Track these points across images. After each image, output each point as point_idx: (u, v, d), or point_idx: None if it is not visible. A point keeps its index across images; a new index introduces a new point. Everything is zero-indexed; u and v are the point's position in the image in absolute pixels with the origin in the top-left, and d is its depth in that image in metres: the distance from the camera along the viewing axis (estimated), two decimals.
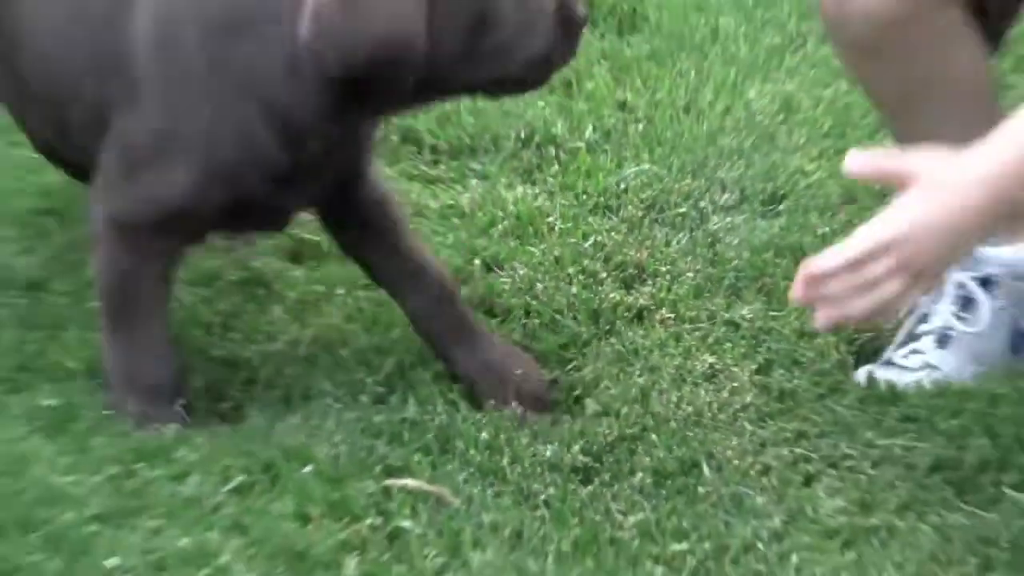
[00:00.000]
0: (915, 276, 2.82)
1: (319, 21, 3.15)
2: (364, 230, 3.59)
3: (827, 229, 4.04)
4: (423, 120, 4.36)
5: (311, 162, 3.36)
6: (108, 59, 3.39)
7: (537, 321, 3.72)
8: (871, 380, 3.60)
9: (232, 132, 3.30)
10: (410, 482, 3.22)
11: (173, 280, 3.52)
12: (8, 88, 3.69)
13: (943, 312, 3.68)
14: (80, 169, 3.61)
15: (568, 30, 3.35)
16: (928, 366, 3.62)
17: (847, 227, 3.99)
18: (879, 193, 4.09)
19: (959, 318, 3.67)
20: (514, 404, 3.51)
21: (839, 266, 2.80)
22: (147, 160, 3.36)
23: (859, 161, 2.90)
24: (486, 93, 3.55)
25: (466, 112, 4.39)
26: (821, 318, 2.85)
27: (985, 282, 3.67)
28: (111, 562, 2.94)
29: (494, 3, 3.26)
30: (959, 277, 3.64)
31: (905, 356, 3.66)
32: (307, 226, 3.96)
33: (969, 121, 3.36)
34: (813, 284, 2.81)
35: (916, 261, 2.80)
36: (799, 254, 3.89)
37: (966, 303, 3.66)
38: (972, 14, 3.52)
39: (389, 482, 3.21)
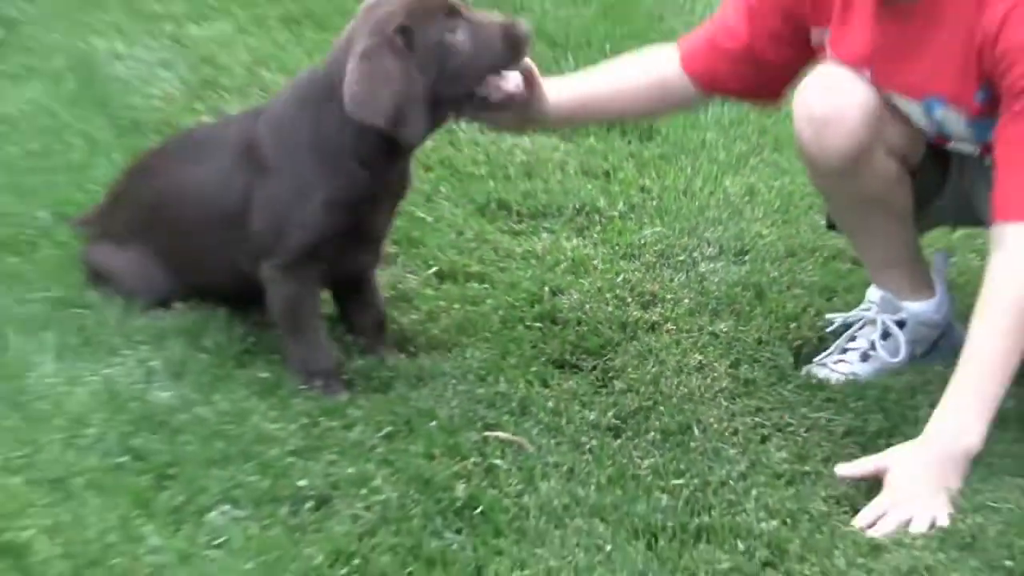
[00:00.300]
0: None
1: (356, 105, 3.25)
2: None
3: (776, 273, 4.02)
4: (513, 193, 4.35)
5: (385, 189, 3.44)
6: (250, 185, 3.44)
7: (585, 328, 3.71)
8: (808, 375, 3.62)
9: (338, 175, 3.35)
10: (500, 434, 3.25)
11: (320, 297, 3.54)
12: (158, 243, 3.60)
13: (864, 339, 3.66)
14: (216, 284, 3.61)
15: (514, 46, 3.32)
16: (852, 374, 3.62)
17: (790, 271, 4.05)
18: (812, 249, 4.14)
19: (878, 344, 3.65)
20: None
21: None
22: (287, 216, 3.38)
23: (846, 470, 3.13)
24: (475, 116, 3.51)
25: (540, 191, 4.36)
26: None
27: (900, 324, 3.65)
28: (301, 482, 3.00)
29: (451, 37, 3.27)
30: (883, 318, 3.64)
31: (835, 363, 3.65)
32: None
33: (894, 231, 3.56)
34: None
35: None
36: (758, 288, 3.95)
37: (885, 335, 3.65)
38: (909, 173, 3.50)
39: (487, 434, 3.24)
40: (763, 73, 3.52)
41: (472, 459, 3.14)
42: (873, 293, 3.69)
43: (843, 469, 3.17)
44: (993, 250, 3.13)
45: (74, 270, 3.70)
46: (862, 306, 3.72)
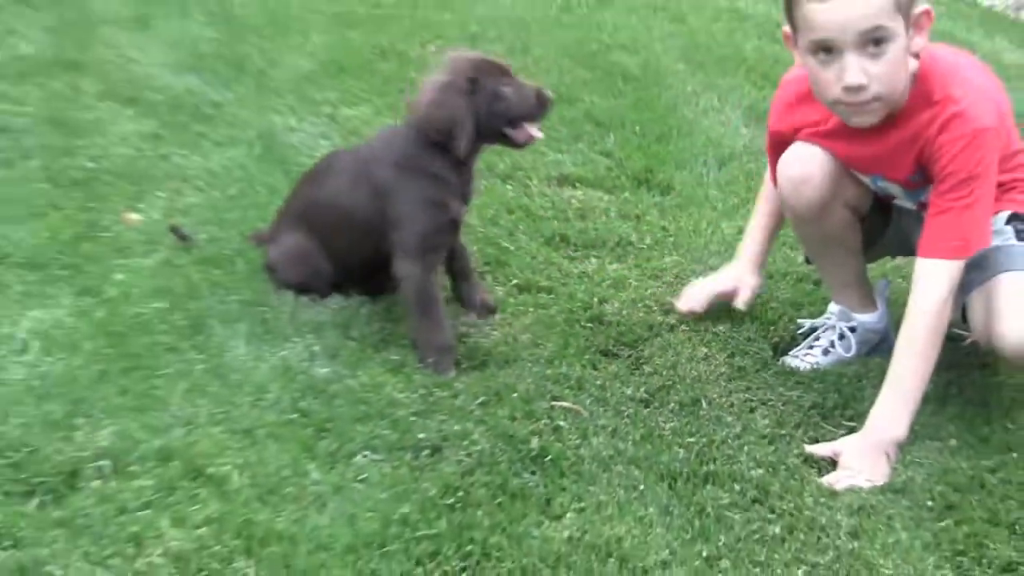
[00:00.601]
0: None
1: (419, 119, 3.36)
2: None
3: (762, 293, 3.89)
4: (571, 230, 4.30)
5: (461, 188, 3.45)
6: (373, 204, 3.44)
7: (623, 328, 3.65)
8: (783, 364, 3.56)
9: (431, 183, 3.39)
10: (563, 403, 3.21)
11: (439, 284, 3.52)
12: (327, 245, 3.58)
13: (826, 339, 3.61)
14: (363, 276, 3.62)
15: (542, 103, 3.40)
16: (816, 364, 3.57)
17: (770, 289, 3.95)
18: (785, 273, 4.06)
19: (836, 343, 3.61)
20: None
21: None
22: (404, 222, 3.38)
23: (812, 448, 3.15)
24: (504, 143, 3.48)
25: (591, 228, 4.32)
26: None
27: (852, 329, 3.61)
28: (421, 435, 2.99)
29: (502, 88, 3.37)
30: (840, 325, 3.60)
31: (804, 355, 3.59)
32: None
33: (848, 262, 3.56)
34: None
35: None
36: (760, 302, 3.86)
37: (841, 337, 3.60)
38: (859, 219, 3.47)
39: (553, 403, 3.20)
40: None
41: (543, 421, 3.12)
42: (832, 307, 3.66)
43: (810, 448, 3.14)
44: (916, 278, 3.13)
45: (259, 280, 3.69)
46: (825, 315, 3.69)
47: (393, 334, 3.49)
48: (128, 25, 6.23)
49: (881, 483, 3.03)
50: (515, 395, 3.21)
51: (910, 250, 3.37)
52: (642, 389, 3.34)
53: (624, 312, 3.75)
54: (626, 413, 3.22)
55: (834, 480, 3.03)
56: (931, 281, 3.08)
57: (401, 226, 3.40)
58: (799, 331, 3.71)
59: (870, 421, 3.12)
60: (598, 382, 3.34)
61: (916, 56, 3.05)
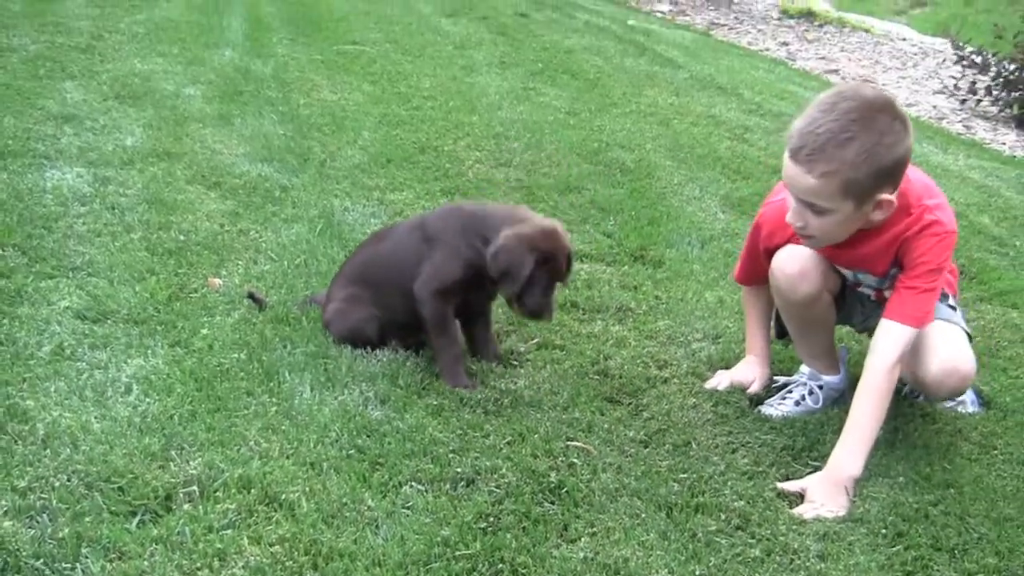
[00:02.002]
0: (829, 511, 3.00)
1: (493, 259, 3.34)
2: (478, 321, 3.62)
3: (739, 350, 3.86)
4: (579, 297, 4.28)
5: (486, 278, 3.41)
6: (422, 246, 3.46)
7: (624, 380, 3.63)
8: (760, 411, 3.53)
9: (471, 251, 3.39)
10: (577, 443, 3.18)
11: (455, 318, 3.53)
12: (377, 296, 3.58)
13: (797, 393, 3.58)
14: (405, 329, 3.58)
15: (539, 315, 3.42)
16: (787, 413, 3.53)
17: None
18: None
19: (806, 397, 3.57)
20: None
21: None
22: (440, 266, 3.41)
23: (783, 485, 3.11)
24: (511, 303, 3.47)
25: (596, 296, 4.31)
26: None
27: (820, 387, 3.58)
28: (458, 470, 2.97)
29: (536, 280, 3.36)
30: (810, 383, 3.58)
31: (778, 405, 3.56)
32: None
33: (823, 338, 3.55)
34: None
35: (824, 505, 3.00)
36: (728, 359, 3.83)
37: (811, 392, 3.57)
38: (835, 300, 3.46)
39: (568, 443, 3.17)
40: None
41: (560, 458, 3.10)
42: (804, 368, 3.64)
43: (781, 485, 3.11)
44: (877, 335, 3.15)
45: (321, 335, 3.67)
46: (798, 374, 3.66)
47: (434, 383, 3.47)
48: (213, 122, 6.26)
49: (842, 514, 2.99)
50: (536, 436, 3.19)
51: (849, 321, 3.54)
52: (642, 432, 3.31)
53: (625, 367, 3.72)
54: (629, 452, 3.19)
55: (803, 511, 2.99)
56: (889, 340, 3.09)
57: (435, 268, 3.42)
58: (774, 385, 3.68)
59: (832, 461, 3.09)
60: (605, 426, 3.32)
61: (871, 222, 3.07)
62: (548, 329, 3.96)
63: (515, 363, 3.72)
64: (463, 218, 3.49)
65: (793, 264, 3.32)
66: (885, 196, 2.98)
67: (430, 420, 3.23)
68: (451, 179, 5.65)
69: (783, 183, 3.13)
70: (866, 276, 3.35)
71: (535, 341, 3.88)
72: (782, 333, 3.74)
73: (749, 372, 3.66)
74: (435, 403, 3.33)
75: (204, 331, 3.66)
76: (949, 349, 3.22)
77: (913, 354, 3.16)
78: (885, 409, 3.09)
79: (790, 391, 3.60)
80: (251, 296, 3.89)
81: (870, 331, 3.41)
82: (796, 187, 3.00)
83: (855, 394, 3.13)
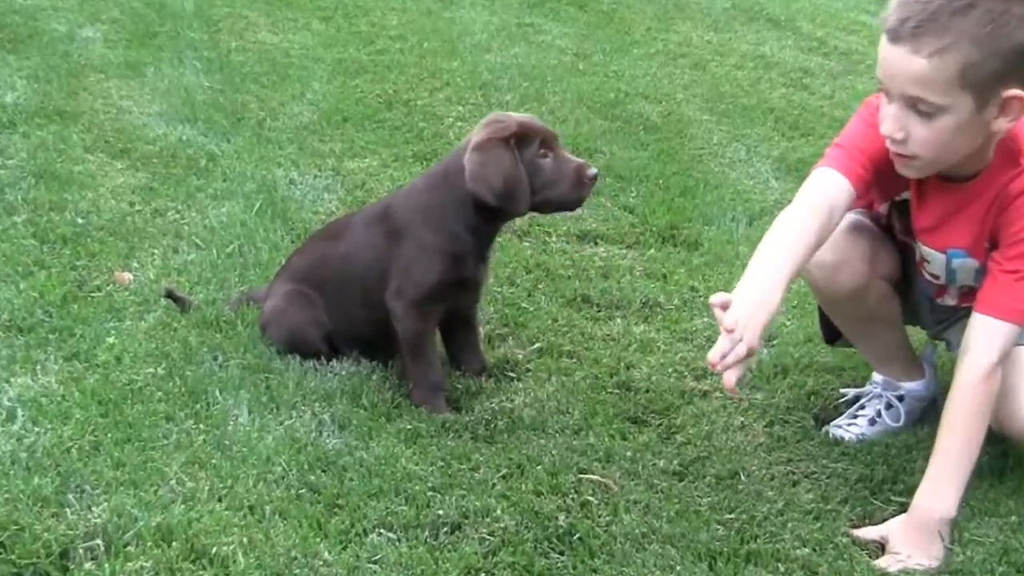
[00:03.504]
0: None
1: (473, 180, 3.36)
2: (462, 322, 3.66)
3: (798, 355, 3.93)
4: (593, 290, 4.30)
5: (482, 250, 3.49)
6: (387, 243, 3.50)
7: (652, 394, 3.64)
8: (827, 433, 3.53)
9: (450, 237, 3.43)
10: (592, 476, 3.18)
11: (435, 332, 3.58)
12: (331, 304, 3.61)
13: (872, 408, 3.58)
14: (368, 345, 3.63)
15: (581, 181, 3.41)
16: (861, 434, 3.53)
17: (808, 353, 3.95)
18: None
19: (883, 412, 3.57)
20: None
21: None
22: (413, 267, 3.44)
23: (858, 532, 3.09)
24: (542, 211, 3.59)
25: (615, 288, 4.32)
26: None
27: (899, 398, 3.58)
28: (439, 512, 2.96)
29: (540, 160, 3.40)
30: (886, 394, 3.58)
31: (848, 425, 3.56)
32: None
33: (889, 336, 3.56)
34: None
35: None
36: (784, 367, 3.86)
37: (888, 406, 3.57)
38: (895, 288, 3.42)
39: (581, 476, 3.17)
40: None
41: (570, 496, 3.09)
42: (877, 376, 3.64)
43: (856, 532, 3.09)
44: (969, 335, 3.07)
45: (262, 343, 3.67)
46: (870, 384, 3.65)
47: (405, 402, 3.47)
48: (118, 72, 6.24)
49: (935, 566, 2.97)
50: (539, 467, 3.18)
51: (917, 322, 3.57)
52: (675, 461, 3.30)
53: (653, 378, 3.72)
54: (659, 487, 3.18)
55: (886, 564, 2.97)
56: (983, 342, 3.02)
57: (408, 271, 3.45)
58: (842, 399, 3.68)
59: (916, 500, 3.05)
60: (628, 453, 3.31)
61: (995, 135, 2.95)
62: (553, 330, 3.96)
63: (511, 375, 3.72)
64: (425, 194, 3.51)
65: (827, 253, 3.22)
66: (1014, 91, 2.82)
67: (403, 449, 3.21)
68: (426, 141, 5.64)
69: (879, 90, 2.95)
70: (959, 260, 3.23)
71: (537, 346, 3.87)
72: (832, 336, 3.69)
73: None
74: (409, 427, 3.32)
75: (110, 340, 3.63)
76: None
77: (1000, 392, 3.07)
78: (983, 429, 3.03)
79: (863, 407, 3.60)
80: (170, 294, 3.87)
81: (949, 342, 3.43)
82: (897, 77, 2.85)
83: (944, 411, 3.08)
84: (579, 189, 3.44)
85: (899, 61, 2.82)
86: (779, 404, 3.65)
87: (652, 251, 4.66)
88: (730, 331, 2.77)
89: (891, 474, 3.32)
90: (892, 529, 3.04)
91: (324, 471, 3.09)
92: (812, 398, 3.71)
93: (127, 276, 4.06)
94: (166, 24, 7.21)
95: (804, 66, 7.62)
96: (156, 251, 4.28)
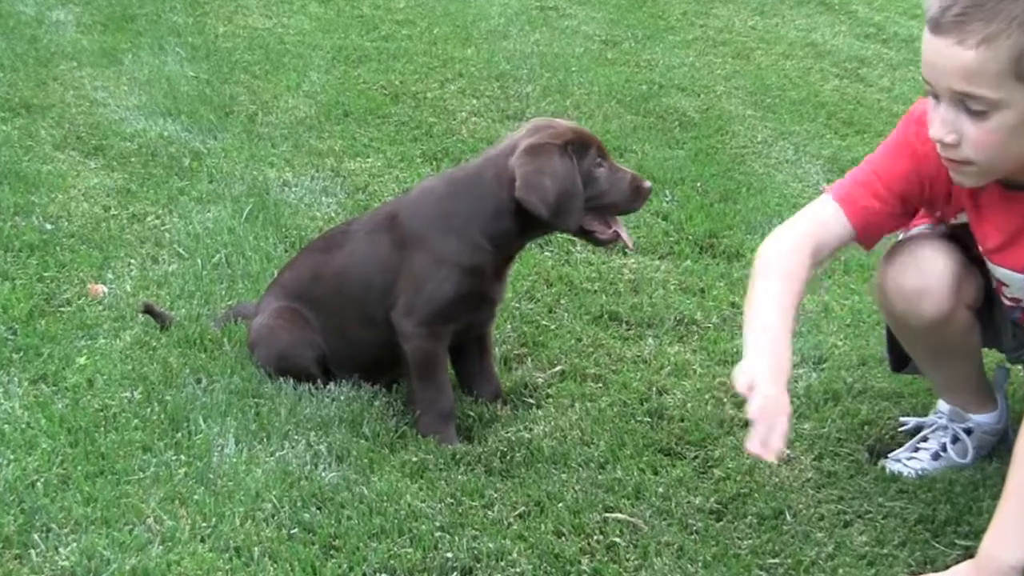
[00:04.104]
0: None
1: (526, 189, 3.38)
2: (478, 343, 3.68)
3: (850, 379, 3.92)
4: (622, 306, 4.31)
5: (502, 266, 3.52)
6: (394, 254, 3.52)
7: (688, 423, 3.63)
8: (883, 468, 3.51)
9: (471, 249, 3.45)
10: (619, 515, 3.18)
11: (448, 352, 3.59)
12: (327, 323, 3.63)
13: (936, 441, 3.56)
14: (371, 368, 3.65)
15: (637, 193, 3.50)
16: (922, 469, 3.51)
17: (863, 378, 3.95)
18: (881, 359, 4.00)
19: (948, 446, 3.55)
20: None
21: None
22: (426, 280, 3.45)
23: None
24: (585, 237, 3.60)
25: (646, 304, 4.32)
26: None
27: (968, 431, 3.57)
28: (448, 555, 2.96)
29: (596, 169, 3.47)
30: (953, 426, 3.56)
31: (908, 459, 3.55)
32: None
33: (963, 368, 3.52)
34: None
35: None
36: (836, 393, 3.85)
37: (955, 440, 3.55)
38: (976, 315, 3.37)
39: (607, 515, 3.17)
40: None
41: (595, 537, 3.09)
42: (943, 405, 3.62)
43: None
44: None
45: (250, 365, 3.68)
46: (934, 414, 3.64)
47: (411, 430, 3.48)
48: (92, 60, 6.27)
49: None
50: (561, 505, 3.18)
51: (997, 345, 3.51)
52: (712, 498, 3.29)
53: (688, 405, 3.72)
54: (694, 527, 3.17)
55: None
56: None
57: (419, 285, 3.46)
58: (902, 429, 3.67)
59: (985, 545, 2.98)
60: (659, 489, 3.30)
61: None
62: (576, 351, 3.96)
63: (530, 401, 3.73)
64: (445, 201, 3.51)
65: (911, 276, 3.23)
66: None
67: (408, 484, 3.22)
68: (436, 139, 5.66)
69: (926, 92, 2.89)
70: (1002, 272, 3.22)
71: (558, 369, 3.89)
72: (900, 363, 3.67)
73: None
74: (415, 460, 3.33)
75: (81, 360, 3.65)
76: None
77: None
78: None
79: (925, 439, 3.58)
80: (149, 310, 3.89)
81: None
82: (943, 73, 2.81)
83: (1017, 443, 3.02)
84: (634, 202, 3.53)
85: (944, 54, 2.78)
86: (829, 435, 3.63)
87: (688, 262, 4.65)
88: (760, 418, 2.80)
89: (955, 515, 3.30)
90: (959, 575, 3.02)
91: (319, 508, 3.09)
92: (866, 428, 3.69)
93: (101, 289, 4.07)
94: (146, 6, 7.25)
95: (860, 55, 7.62)
96: (133, 261, 4.29)
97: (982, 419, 3.57)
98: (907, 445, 3.60)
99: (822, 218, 3.15)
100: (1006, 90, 2.75)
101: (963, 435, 3.56)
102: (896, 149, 3.12)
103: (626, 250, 4.11)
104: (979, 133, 2.82)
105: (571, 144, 3.43)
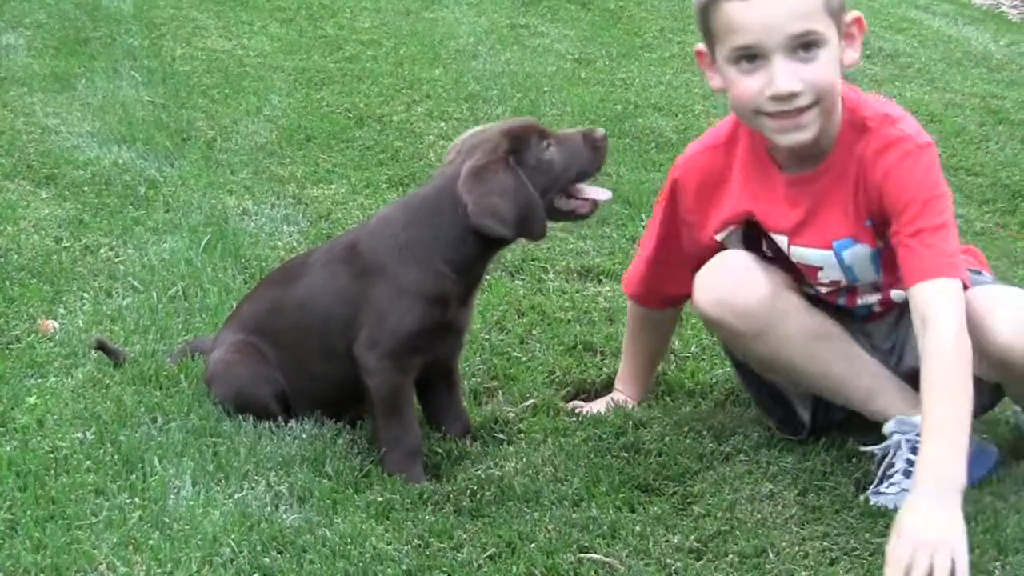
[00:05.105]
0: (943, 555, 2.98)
1: (478, 216, 3.38)
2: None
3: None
4: (597, 336, 4.32)
5: (467, 293, 3.51)
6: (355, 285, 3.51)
7: (665, 457, 3.62)
8: (868, 501, 3.50)
9: (435, 277, 3.44)
10: (594, 555, 3.16)
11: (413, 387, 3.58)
12: (286, 358, 3.63)
13: (901, 461, 3.54)
14: (331, 404, 3.66)
15: (595, 149, 3.49)
16: (902, 489, 3.47)
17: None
18: None
19: (913, 461, 3.48)
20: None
21: None
22: (389, 312, 3.44)
23: None
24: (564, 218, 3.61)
25: (622, 334, 4.23)
26: None
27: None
28: None
29: (545, 154, 3.44)
30: (904, 438, 3.54)
31: (886, 487, 3.52)
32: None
33: (851, 354, 3.66)
34: None
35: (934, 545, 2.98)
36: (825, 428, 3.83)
37: (914, 450, 3.47)
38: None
39: (582, 555, 3.16)
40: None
41: None
42: (885, 426, 3.61)
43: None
44: (917, 310, 3.28)
45: (208, 403, 3.67)
46: (888, 439, 3.61)
47: (375, 469, 3.47)
48: (44, 86, 6.27)
49: (965, 558, 2.98)
50: (533, 546, 3.16)
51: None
52: (692, 536, 3.28)
53: (666, 439, 3.71)
54: (673, 567, 3.16)
55: (898, 556, 3.00)
56: (935, 305, 3.23)
57: (381, 317, 3.45)
58: (873, 460, 3.63)
59: (920, 473, 3.16)
60: (636, 528, 3.29)
61: (848, 68, 3.36)
62: (549, 384, 3.97)
63: (500, 436, 3.72)
64: (401, 228, 3.50)
65: (719, 278, 3.53)
66: (854, 14, 3.34)
67: (373, 526, 3.21)
68: (403, 164, 5.67)
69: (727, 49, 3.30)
70: (850, 250, 3.46)
71: (530, 403, 3.88)
72: (787, 421, 3.77)
73: (619, 397, 3.92)
74: (380, 499, 3.32)
75: (31, 400, 3.64)
76: (1014, 304, 3.38)
77: (973, 322, 3.29)
78: (970, 393, 3.19)
79: (892, 464, 3.55)
80: (102, 346, 3.88)
81: (911, 374, 3.47)
82: (780, 24, 3.22)
83: (924, 385, 3.21)
84: (596, 161, 3.53)
85: (776, 4, 3.22)
86: (814, 468, 3.62)
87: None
88: None
89: None
90: (904, 513, 3.09)
91: (280, 552, 3.08)
92: (853, 460, 3.67)
93: (52, 324, 4.06)
94: (100, 29, 7.26)
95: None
96: (86, 295, 4.28)
97: (915, 418, 3.56)
98: (879, 475, 3.58)
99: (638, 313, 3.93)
100: (824, 23, 3.25)
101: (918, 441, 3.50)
102: (654, 217, 3.79)
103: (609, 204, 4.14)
104: (816, 71, 3.25)
105: (509, 150, 3.42)
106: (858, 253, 3.49)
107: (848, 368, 3.60)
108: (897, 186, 3.32)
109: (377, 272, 3.48)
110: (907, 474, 3.50)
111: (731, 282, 3.51)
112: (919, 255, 3.28)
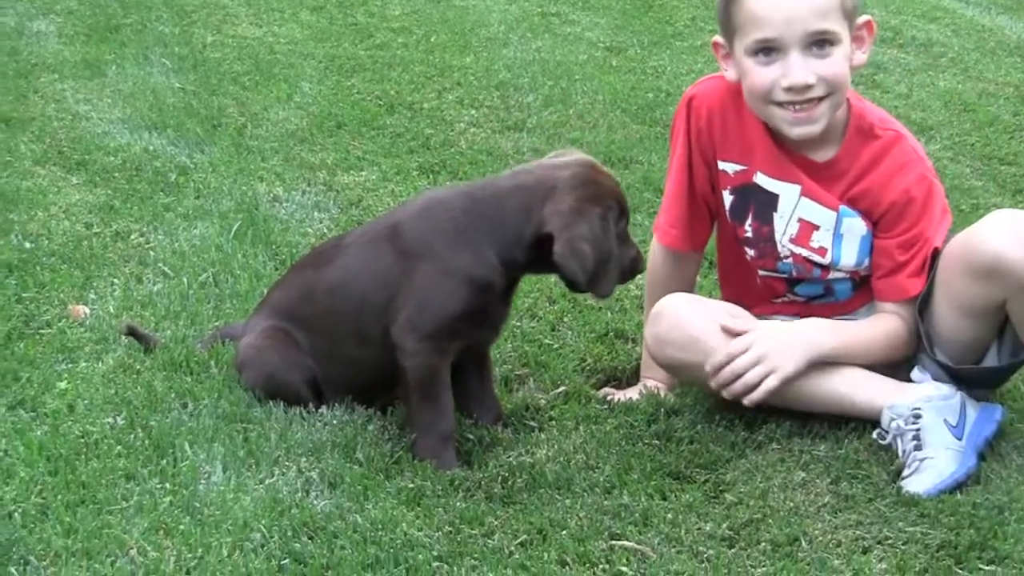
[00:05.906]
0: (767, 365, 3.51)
1: (564, 256, 3.39)
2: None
3: None
4: (629, 323, 4.33)
5: (508, 287, 3.53)
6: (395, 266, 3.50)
7: (698, 445, 3.61)
8: (902, 490, 3.48)
9: (482, 262, 3.44)
10: (626, 543, 3.16)
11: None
12: (318, 344, 3.63)
13: (908, 437, 3.56)
14: (365, 391, 3.65)
15: (631, 271, 3.62)
16: (942, 489, 3.45)
17: None
18: None
19: (922, 438, 3.55)
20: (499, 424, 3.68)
21: (721, 362, 3.54)
22: (432, 293, 3.44)
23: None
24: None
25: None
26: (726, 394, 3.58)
27: (917, 416, 3.60)
28: None
29: (621, 228, 3.54)
30: (898, 422, 3.58)
31: (913, 475, 3.50)
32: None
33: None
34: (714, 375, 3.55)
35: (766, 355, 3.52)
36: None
37: (915, 436, 3.56)
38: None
39: (613, 542, 3.16)
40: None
41: (601, 566, 3.07)
42: (881, 419, 3.63)
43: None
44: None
45: (238, 388, 3.67)
46: (891, 429, 3.62)
47: (407, 455, 3.46)
48: (75, 72, 6.28)
49: (784, 372, 3.51)
50: (564, 532, 3.16)
51: None
52: (724, 524, 3.27)
53: (698, 427, 3.70)
54: (705, 555, 3.15)
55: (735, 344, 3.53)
56: (891, 308, 3.69)
57: (426, 298, 3.44)
58: (898, 459, 3.59)
59: (806, 322, 3.66)
60: (668, 515, 3.28)
61: (855, 69, 3.58)
62: (581, 371, 3.96)
63: (532, 424, 3.72)
64: (457, 213, 3.49)
65: (662, 321, 3.72)
66: (866, 17, 3.58)
67: (404, 512, 3.20)
68: (434, 151, 5.66)
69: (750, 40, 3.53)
70: (849, 219, 3.65)
71: (562, 390, 3.88)
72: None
73: (651, 383, 3.95)
74: (412, 486, 3.31)
75: (61, 385, 3.64)
76: (1006, 215, 3.52)
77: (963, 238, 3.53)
78: (878, 353, 3.67)
79: (905, 450, 3.54)
80: (132, 331, 3.89)
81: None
82: (800, 20, 3.45)
83: (857, 322, 3.72)
84: (623, 279, 3.63)
85: (797, 1, 3.46)
86: (846, 456, 3.60)
87: (697, 277, 4.62)
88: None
89: (979, 539, 3.27)
90: (762, 329, 3.60)
91: (311, 538, 3.07)
92: (886, 449, 3.64)
93: (82, 310, 4.07)
94: (131, 16, 7.26)
95: (876, 60, 7.60)
96: (116, 280, 4.29)
97: (920, 378, 3.67)
98: (908, 462, 3.55)
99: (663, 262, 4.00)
100: (839, 23, 3.49)
101: (922, 422, 3.56)
102: (672, 153, 3.87)
103: None
104: (829, 66, 3.49)
105: (612, 210, 3.46)
106: (854, 227, 3.67)
107: (820, 382, 3.67)
108: (895, 201, 3.63)
109: (423, 253, 3.46)
110: (917, 448, 3.54)
111: (674, 320, 3.68)
112: (892, 285, 3.67)
